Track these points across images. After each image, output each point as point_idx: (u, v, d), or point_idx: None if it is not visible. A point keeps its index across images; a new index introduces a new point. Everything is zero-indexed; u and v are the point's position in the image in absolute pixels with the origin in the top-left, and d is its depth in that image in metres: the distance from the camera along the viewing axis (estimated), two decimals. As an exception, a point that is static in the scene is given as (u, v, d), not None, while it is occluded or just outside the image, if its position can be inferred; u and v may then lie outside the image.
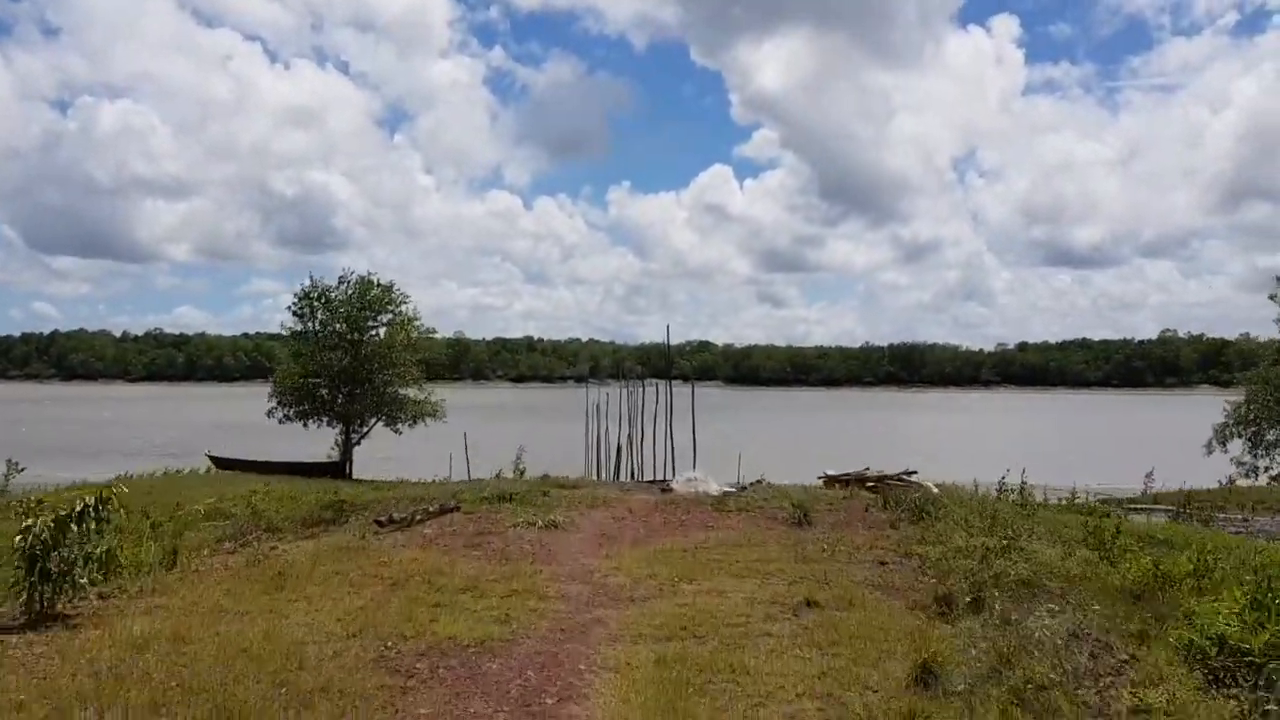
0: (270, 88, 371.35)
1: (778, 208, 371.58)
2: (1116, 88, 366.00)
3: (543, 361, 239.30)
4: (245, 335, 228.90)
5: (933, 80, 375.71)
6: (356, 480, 32.76)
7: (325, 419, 33.21)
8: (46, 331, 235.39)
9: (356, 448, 34.64)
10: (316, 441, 34.58)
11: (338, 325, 32.70)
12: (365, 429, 34.11)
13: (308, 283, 32.98)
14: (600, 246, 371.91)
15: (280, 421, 33.16)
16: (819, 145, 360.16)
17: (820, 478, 22.56)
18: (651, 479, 31.79)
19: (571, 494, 18.71)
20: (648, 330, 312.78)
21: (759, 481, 22.30)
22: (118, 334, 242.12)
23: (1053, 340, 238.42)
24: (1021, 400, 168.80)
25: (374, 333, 33.49)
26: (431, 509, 15.39)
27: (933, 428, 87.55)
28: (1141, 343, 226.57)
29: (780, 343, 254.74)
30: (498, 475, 25.12)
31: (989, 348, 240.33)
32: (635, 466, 35.02)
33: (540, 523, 15.12)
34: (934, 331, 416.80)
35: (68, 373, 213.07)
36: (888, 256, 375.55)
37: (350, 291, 33.13)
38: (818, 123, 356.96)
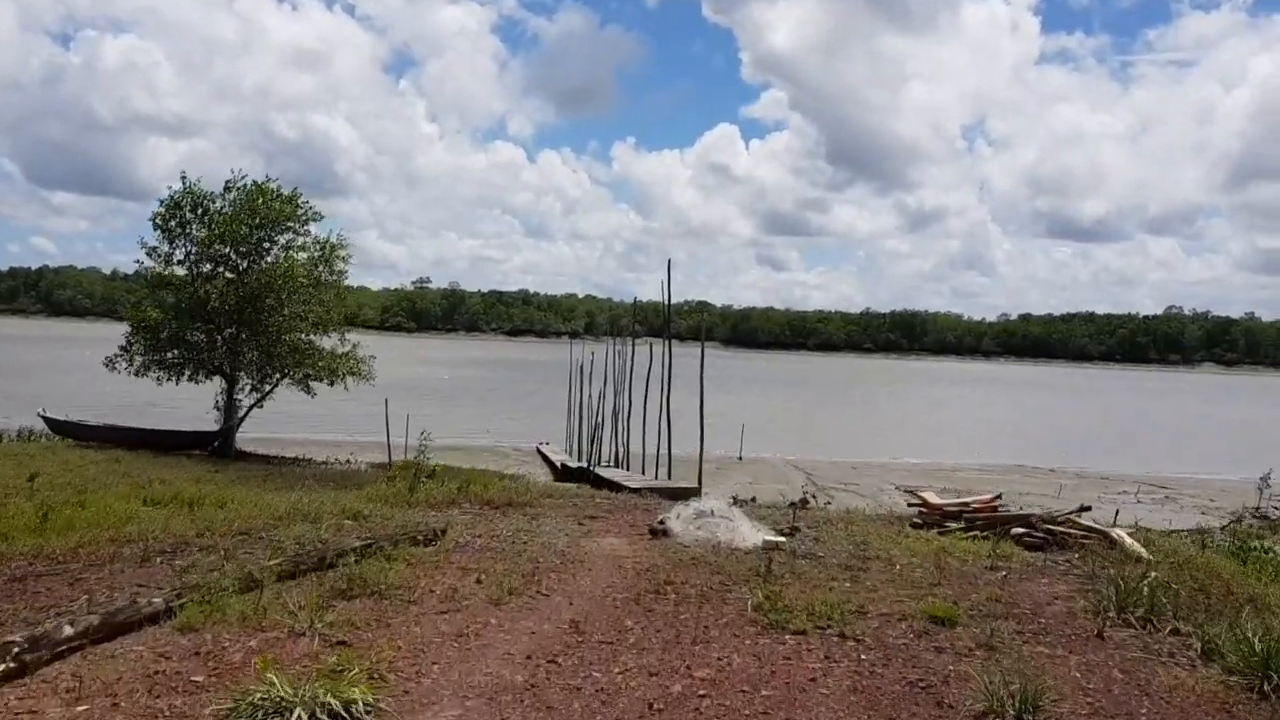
0: (276, 27, 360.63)
1: (783, 170, 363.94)
2: (1130, 61, 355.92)
3: (538, 316, 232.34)
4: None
5: (947, 47, 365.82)
6: (238, 455, 24.28)
7: (201, 373, 24.49)
8: (45, 267, 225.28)
9: (258, 409, 26.07)
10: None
11: (217, 246, 23.89)
12: (266, 389, 25.47)
13: (177, 187, 24.07)
14: (602, 202, 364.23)
15: (135, 374, 24.37)
16: (828, 108, 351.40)
17: (910, 500, 14.31)
18: (642, 474, 23.38)
19: (475, 547, 10.21)
20: (646, 289, 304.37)
21: (811, 502, 13.94)
22: (108, 272, 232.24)
23: (1053, 312, 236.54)
24: (1034, 373, 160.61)
25: (270, 258, 24.71)
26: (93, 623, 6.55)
27: (960, 404, 78.96)
28: (1146, 318, 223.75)
29: (778, 306, 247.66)
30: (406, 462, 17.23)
31: (989, 318, 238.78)
32: (622, 446, 26.65)
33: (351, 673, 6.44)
34: (932, 300, 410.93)
35: (55, 309, 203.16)
36: (891, 223, 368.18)
37: (238, 199, 24.27)
38: (828, 85, 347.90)
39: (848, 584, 8.85)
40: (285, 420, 31.09)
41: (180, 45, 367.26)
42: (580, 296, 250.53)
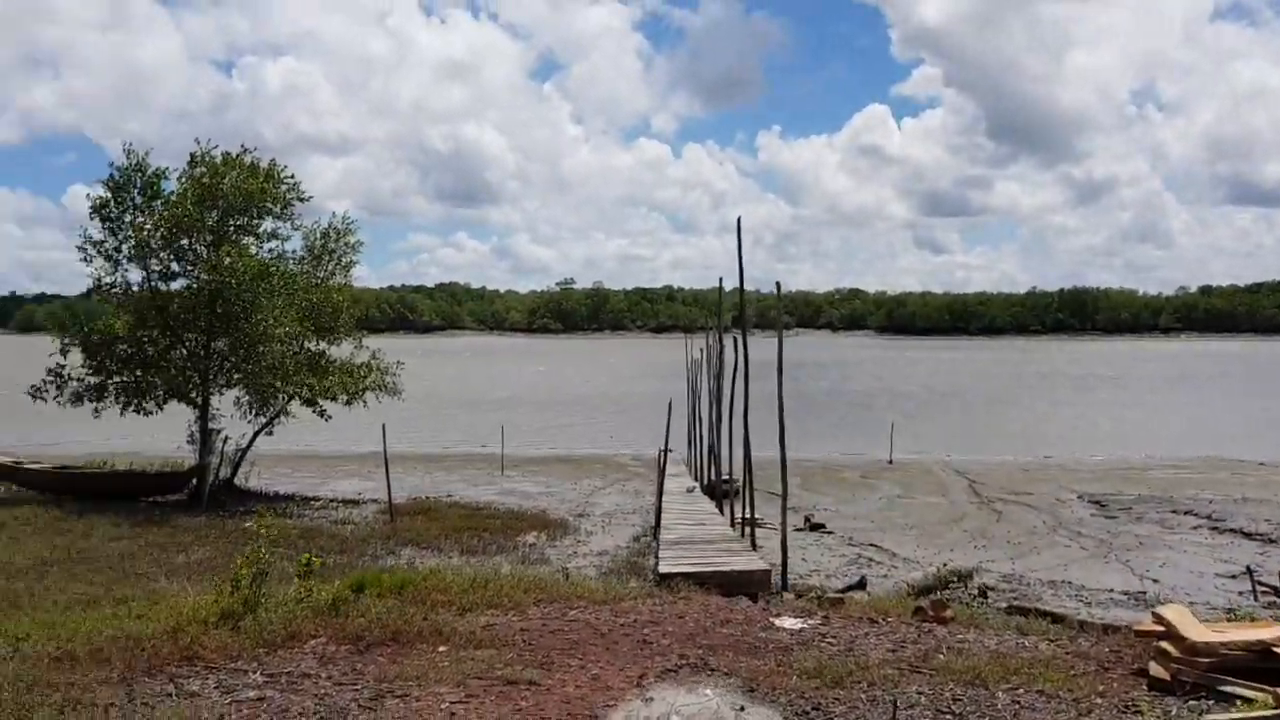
0: (427, 42, 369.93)
1: (939, 148, 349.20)
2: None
3: (683, 311, 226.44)
4: (391, 288, 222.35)
5: (1110, 9, 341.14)
6: (220, 497, 19.08)
7: (159, 395, 19.15)
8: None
9: (268, 436, 20.85)
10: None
11: (165, 231, 18.51)
12: (273, 413, 20.17)
13: (122, 160, 18.74)
14: (750, 193, 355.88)
15: (67, 404, 19.19)
16: (985, 81, 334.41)
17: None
18: (750, 502, 16.49)
19: None
20: (799, 279, 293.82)
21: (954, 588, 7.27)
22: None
23: (1237, 283, 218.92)
24: (1219, 349, 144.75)
25: (247, 246, 19.23)
26: None
27: (1140, 386, 68.31)
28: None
29: (936, 290, 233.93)
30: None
31: (1166, 292, 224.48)
32: (713, 457, 20.10)
33: None
34: (1102, 277, 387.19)
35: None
36: (1058, 198, 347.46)
37: (201, 174, 18.86)
38: (984, 57, 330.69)
39: None
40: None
41: (337, 65, 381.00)
42: (729, 290, 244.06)
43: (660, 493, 18.10)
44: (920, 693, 6.43)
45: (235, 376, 19.48)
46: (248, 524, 16.16)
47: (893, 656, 7.46)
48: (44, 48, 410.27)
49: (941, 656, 7.39)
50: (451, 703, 6.14)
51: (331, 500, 20.13)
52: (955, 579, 13.93)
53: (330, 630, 7.75)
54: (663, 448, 19.92)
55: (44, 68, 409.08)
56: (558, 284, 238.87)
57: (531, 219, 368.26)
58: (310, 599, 8.39)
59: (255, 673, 6.66)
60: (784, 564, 12.71)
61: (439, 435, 35.79)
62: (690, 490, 20.09)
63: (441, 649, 7.38)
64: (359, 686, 6.41)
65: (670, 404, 20.18)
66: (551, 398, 54.92)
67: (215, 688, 6.32)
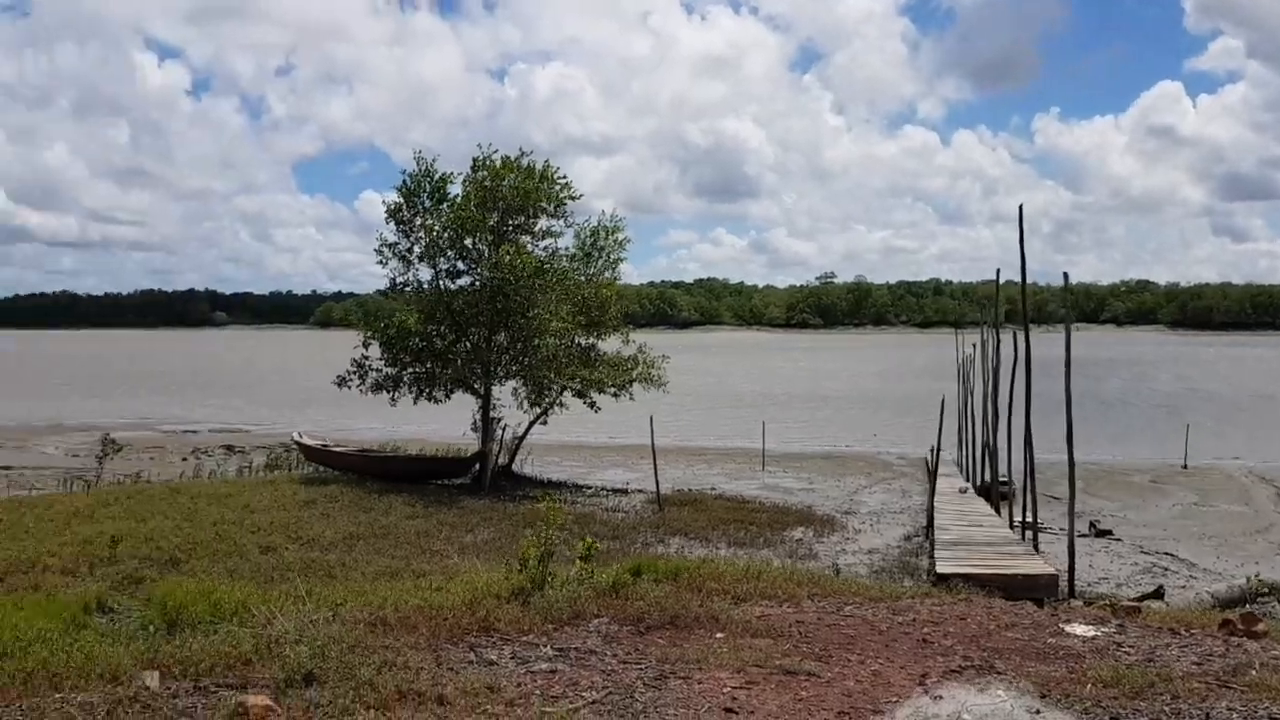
0: (688, 39, 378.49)
1: (1240, 126, 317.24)
2: None
3: (950, 305, 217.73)
4: (651, 284, 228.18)
5: None
6: (501, 482, 20.27)
7: (446, 385, 20.60)
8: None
9: (543, 425, 22.00)
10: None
11: (451, 233, 19.85)
12: (547, 403, 21.26)
13: (413, 168, 20.28)
14: (1025, 180, 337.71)
15: (368, 392, 20.89)
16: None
17: None
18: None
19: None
20: (1080, 270, 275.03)
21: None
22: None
23: None
24: None
25: (524, 245, 20.29)
26: None
27: None
28: None
29: (1237, 281, 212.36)
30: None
31: None
32: (988, 457, 19.11)
33: None
34: None
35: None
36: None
37: (482, 178, 20.06)
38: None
39: None
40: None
41: (601, 68, 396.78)
42: (1002, 282, 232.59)
43: (932, 492, 17.58)
44: (1232, 709, 5.81)
45: (513, 368, 20.63)
46: (529, 506, 17.18)
47: (1198, 670, 6.80)
48: (340, 66, 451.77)
49: (1254, 673, 6.66)
50: (733, 687, 6.16)
51: (602, 488, 20.90)
52: (1267, 592, 12.71)
53: (611, 611, 7.99)
54: (934, 446, 19.34)
55: (339, 84, 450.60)
56: (817, 278, 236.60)
57: (790, 212, 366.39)
58: (591, 580, 8.69)
59: (546, 646, 6.97)
60: (1070, 569, 11.96)
61: (699, 429, 36.32)
62: (963, 491, 19.31)
63: (719, 635, 7.44)
64: (642, 666, 6.57)
65: (943, 402, 19.51)
66: (811, 394, 54.41)
67: (511, 658, 6.68)
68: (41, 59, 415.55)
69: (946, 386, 25.38)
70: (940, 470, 19.56)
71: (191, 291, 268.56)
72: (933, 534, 14.91)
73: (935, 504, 16.75)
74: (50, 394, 54.69)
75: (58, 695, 5.50)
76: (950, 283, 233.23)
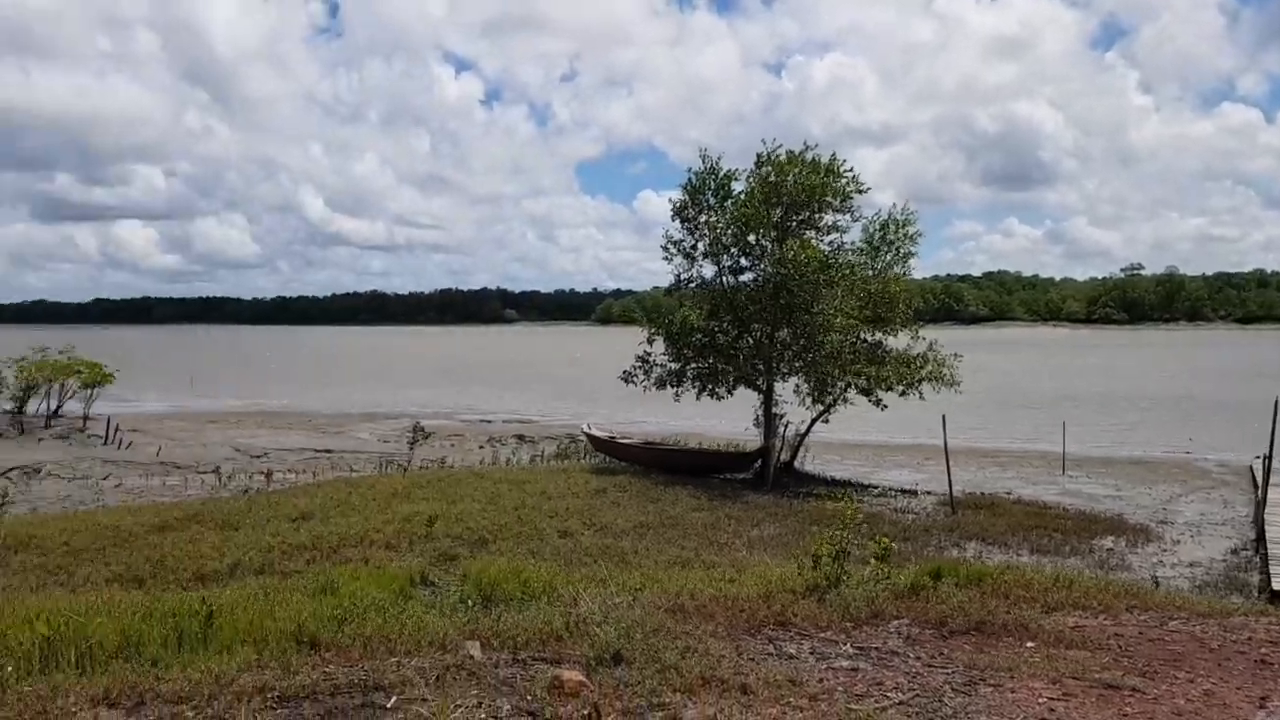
0: (975, 20, 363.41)
1: None
2: None
3: (1277, 299, 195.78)
4: (935, 277, 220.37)
5: None
6: (783, 479, 20.23)
7: (729, 381, 20.74)
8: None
9: (823, 423, 21.82)
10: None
11: (735, 229, 19.94)
12: (830, 400, 21.03)
13: (699, 166, 20.53)
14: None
15: (652, 387, 21.28)
16: None
17: None
18: None
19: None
20: None
21: None
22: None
23: None
24: None
25: (809, 240, 20.09)
26: None
27: None
28: None
29: None
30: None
31: None
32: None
33: None
34: None
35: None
36: None
37: (766, 173, 20.03)
38: None
39: None
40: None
41: (881, 55, 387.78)
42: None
43: (1262, 503, 15.90)
44: None
45: (796, 365, 20.48)
46: (814, 504, 17.02)
47: None
48: (620, 68, 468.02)
49: None
50: (1049, 699, 5.79)
51: (889, 489, 20.35)
52: None
53: (912, 613, 7.73)
54: (1264, 454, 17.46)
55: (620, 86, 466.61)
56: (1122, 270, 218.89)
57: (1091, 199, 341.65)
58: (888, 581, 8.45)
59: (845, 644, 6.83)
60: None
61: (990, 430, 34.56)
62: None
63: (1029, 644, 7.02)
64: (949, 670, 6.29)
65: (1276, 404, 17.49)
66: (1116, 394, 50.41)
67: (810, 653, 6.60)
68: (354, 76, 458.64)
69: (1274, 387, 22.67)
70: (1272, 480, 17.67)
71: (485, 290, 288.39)
72: (1264, 548, 13.73)
73: (1266, 516, 15.27)
74: (363, 384, 60.35)
75: (393, 659, 5.98)
76: (1277, 274, 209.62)
